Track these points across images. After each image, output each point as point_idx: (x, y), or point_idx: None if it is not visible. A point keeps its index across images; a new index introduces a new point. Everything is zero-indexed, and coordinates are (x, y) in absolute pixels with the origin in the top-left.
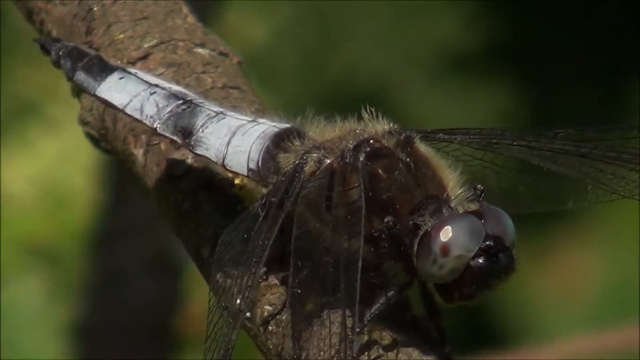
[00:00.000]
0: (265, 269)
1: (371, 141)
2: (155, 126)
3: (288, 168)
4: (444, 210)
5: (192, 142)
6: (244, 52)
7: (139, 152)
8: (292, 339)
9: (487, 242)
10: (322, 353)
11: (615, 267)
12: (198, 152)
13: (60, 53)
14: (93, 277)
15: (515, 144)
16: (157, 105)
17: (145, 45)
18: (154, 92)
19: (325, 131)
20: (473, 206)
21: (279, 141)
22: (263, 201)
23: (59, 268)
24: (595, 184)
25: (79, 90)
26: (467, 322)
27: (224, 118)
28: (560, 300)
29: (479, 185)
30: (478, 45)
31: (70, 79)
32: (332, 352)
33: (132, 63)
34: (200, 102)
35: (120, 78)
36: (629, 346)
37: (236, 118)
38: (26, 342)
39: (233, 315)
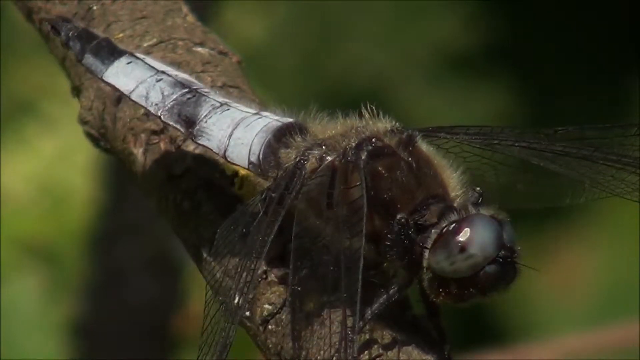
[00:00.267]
0: (265, 267)
1: (373, 140)
2: (159, 114)
3: (289, 164)
4: (470, 209)
5: (194, 132)
6: (243, 52)
7: (138, 151)
8: (291, 338)
9: (503, 252)
10: (322, 352)
11: (614, 265)
12: (200, 142)
13: (70, 34)
14: (92, 276)
15: (516, 144)
16: (163, 93)
17: (145, 45)
18: (160, 79)
19: (327, 128)
20: (491, 211)
21: (280, 136)
22: (263, 196)
23: (57, 267)
24: (594, 185)
25: (78, 90)
26: (466, 321)
27: (228, 109)
28: (559, 299)
29: (478, 188)
30: (477, 45)
31: (79, 60)
32: (332, 351)
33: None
34: (206, 92)
35: (128, 63)
36: (627, 344)
37: (240, 110)
38: (24, 342)
39: (231, 311)
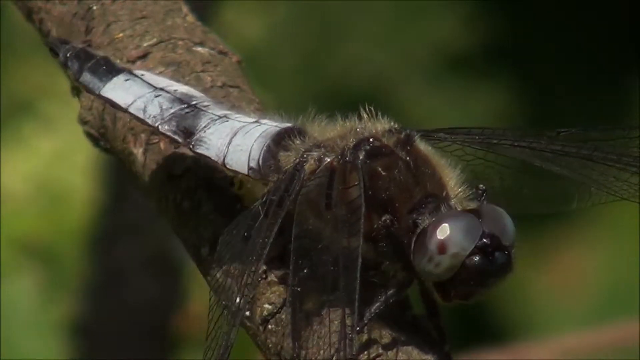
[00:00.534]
0: (265, 267)
1: (371, 140)
2: (157, 125)
3: (288, 167)
4: (442, 209)
5: (192, 142)
6: (242, 51)
7: (138, 151)
8: (291, 337)
9: (484, 241)
10: (321, 352)
11: (614, 265)
12: (198, 151)
13: (68, 55)
14: (92, 276)
15: (516, 144)
16: (161, 107)
17: (145, 44)
18: (159, 95)
19: (326, 130)
20: (472, 205)
21: (279, 140)
22: (263, 199)
23: (55, 267)
24: (596, 186)
25: (78, 90)
26: (466, 320)
27: (227, 121)
28: (559, 298)
29: (481, 185)
30: (477, 45)
31: (76, 80)
32: (332, 351)
33: (132, 62)
34: (205, 106)
35: (126, 80)
36: (627, 343)
37: (239, 121)
38: (23, 342)
39: (233, 313)
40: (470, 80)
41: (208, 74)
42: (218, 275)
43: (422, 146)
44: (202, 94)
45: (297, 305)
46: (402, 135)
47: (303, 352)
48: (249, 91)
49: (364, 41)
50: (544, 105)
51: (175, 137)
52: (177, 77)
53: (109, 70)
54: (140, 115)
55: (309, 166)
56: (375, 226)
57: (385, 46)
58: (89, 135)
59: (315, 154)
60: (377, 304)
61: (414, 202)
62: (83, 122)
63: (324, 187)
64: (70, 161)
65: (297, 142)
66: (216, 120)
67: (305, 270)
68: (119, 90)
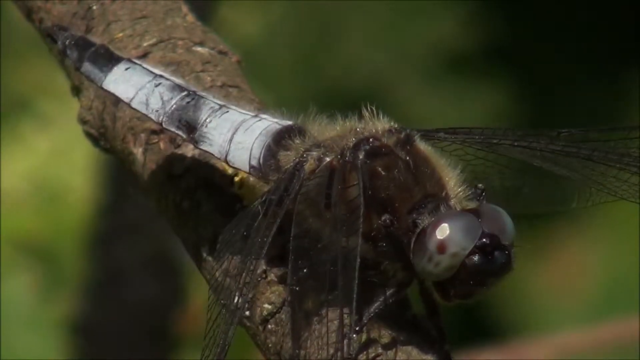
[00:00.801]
0: (265, 266)
1: (371, 139)
2: (160, 120)
3: (288, 166)
4: (441, 209)
5: (196, 137)
6: (240, 51)
7: (138, 151)
8: (291, 337)
9: (483, 240)
10: (321, 351)
11: (613, 262)
12: (202, 147)
13: (67, 43)
14: (91, 275)
15: (516, 144)
16: (162, 98)
17: (145, 44)
18: (159, 84)
19: (326, 129)
20: (472, 204)
21: (280, 139)
22: (263, 199)
23: (54, 265)
24: (596, 186)
25: (78, 89)
26: (466, 318)
27: (227, 112)
28: (558, 296)
29: (480, 185)
30: (475, 45)
31: (77, 69)
32: (331, 350)
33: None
34: (204, 94)
35: (126, 69)
36: (626, 341)
37: (239, 112)
38: (20, 341)
39: (231, 312)
40: (469, 80)
41: (208, 73)
42: (217, 274)
43: (422, 146)
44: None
45: (296, 304)
46: (402, 135)
47: (302, 352)
48: (248, 91)
49: (363, 41)
50: (543, 105)
51: (179, 132)
52: (177, 77)
53: (109, 59)
54: (144, 110)
55: (308, 166)
56: (375, 226)
57: (384, 46)
58: (88, 135)
59: (315, 153)
60: (377, 303)
61: (413, 201)
62: (83, 121)
63: (323, 187)
64: (68, 160)
65: (297, 141)
66: (217, 110)
67: (304, 270)
68: (121, 83)
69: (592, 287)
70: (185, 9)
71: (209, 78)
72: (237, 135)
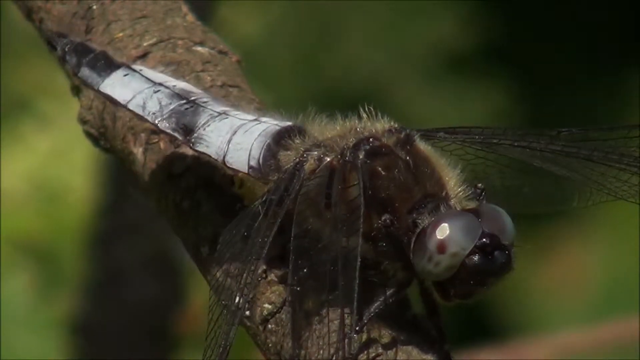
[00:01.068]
0: (265, 266)
1: (371, 139)
2: (156, 122)
3: (288, 166)
4: (441, 208)
5: (192, 139)
6: (239, 51)
7: (138, 151)
8: (291, 337)
9: (483, 240)
10: (321, 351)
11: (613, 262)
12: (198, 149)
13: (66, 49)
14: (91, 275)
15: (516, 144)
16: (160, 103)
17: (145, 44)
18: (158, 91)
19: (325, 129)
20: (472, 204)
21: (279, 139)
22: (263, 199)
23: (53, 265)
24: (596, 186)
25: (78, 89)
26: (466, 318)
27: (227, 118)
28: (558, 296)
29: (480, 184)
30: (475, 45)
31: (75, 74)
32: (331, 350)
33: (132, 61)
34: (204, 102)
35: (125, 75)
36: (626, 340)
37: (239, 118)
38: (20, 341)
39: (232, 312)
40: (469, 79)
41: (208, 73)
42: (218, 274)
43: (422, 146)
44: (200, 91)
45: (296, 304)
46: (402, 135)
47: (303, 352)
48: (248, 91)
49: (363, 41)
50: (543, 105)
51: (175, 134)
52: (177, 77)
53: (108, 65)
54: (140, 112)
55: (308, 166)
56: (375, 226)
57: (384, 46)
58: (88, 134)
59: (315, 153)
60: (377, 303)
61: (413, 201)
62: (83, 121)
63: (323, 187)
64: (68, 160)
65: (297, 141)
66: (216, 117)
67: (304, 270)
68: (118, 86)
69: (592, 287)
70: (185, 8)
71: (209, 78)
72: (235, 136)
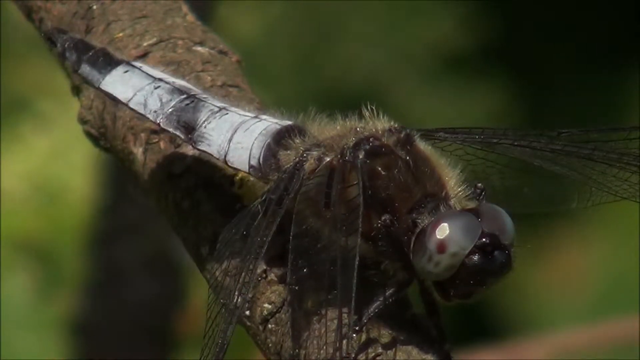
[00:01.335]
0: (265, 266)
1: (371, 139)
2: (158, 121)
3: (288, 165)
4: (441, 208)
5: (194, 138)
6: (239, 51)
7: (138, 151)
8: (291, 337)
9: (483, 240)
10: (320, 351)
11: (613, 261)
12: (200, 147)
13: (66, 45)
14: (91, 275)
15: (516, 144)
16: (161, 100)
17: (145, 44)
18: (158, 87)
19: (326, 129)
20: (471, 204)
21: (280, 138)
22: (263, 198)
23: (53, 265)
24: (597, 186)
25: (78, 89)
26: (466, 318)
27: (227, 114)
28: (558, 295)
29: (480, 184)
30: (473, 45)
31: (75, 71)
32: (331, 350)
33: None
34: (204, 97)
35: (125, 72)
36: (626, 340)
37: (239, 114)
38: (20, 341)
39: (230, 311)
40: (467, 79)
41: (208, 73)
42: (217, 273)
43: (422, 146)
44: (200, 90)
45: (296, 304)
46: (402, 135)
47: (302, 352)
48: (248, 90)
49: (361, 41)
50: (542, 104)
51: (177, 132)
52: (177, 76)
53: (108, 61)
54: (141, 111)
55: (308, 165)
56: (375, 225)
57: (382, 45)
58: (88, 134)
59: (315, 153)
60: (377, 303)
61: (413, 201)
62: (83, 121)
63: (323, 186)
64: (67, 159)
65: (297, 141)
66: (216, 112)
67: (304, 270)
68: (119, 84)
69: (592, 287)
70: (185, 8)
71: (209, 78)
72: (236, 135)
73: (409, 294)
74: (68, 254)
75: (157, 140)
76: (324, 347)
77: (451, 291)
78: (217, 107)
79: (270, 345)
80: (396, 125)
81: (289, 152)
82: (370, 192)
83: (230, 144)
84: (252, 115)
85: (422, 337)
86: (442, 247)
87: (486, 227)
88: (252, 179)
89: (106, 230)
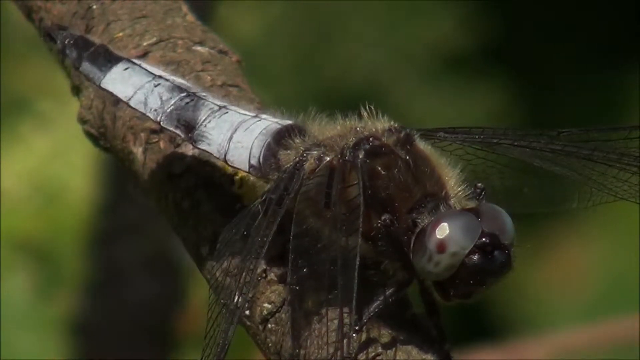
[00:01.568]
0: (265, 266)
1: (371, 139)
2: (158, 119)
3: (288, 165)
4: (441, 208)
5: (194, 137)
6: (238, 51)
7: (138, 151)
8: (291, 336)
9: (483, 240)
10: (320, 351)
11: (613, 261)
12: (200, 146)
13: (66, 42)
14: (91, 275)
15: (516, 144)
16: (161, 98)
17: (145, 44)
18: (158, 84)
19: (326, 129)
20: (471, 204)
21: (280, 138)
22: (263, 198)
23: (52, 265)
24: (597, 186)
25: (78, 89)
26: (466, 318)
27: (227, 112)
28: (558, 295)
29: (480, 184)
30: (473, 45)
31: (76, 68)
32: (331, 349)
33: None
34: (204, 96)
35: (125, 69)
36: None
37: (239, 113)
38: (20, 341)
39: (231, 311)
40: (467, 79)
41: (208, 73)
42: (217, 273)
43: (422, 145)
44: (199, 89)
45: (296, 304)
46: (402, 135)
47: (302, 351)
48: (248, 90)
49: (361, 41)
50: (542, 104)
51: (177, 131)
52: (177, 77)
53: (108, 59)
54: (142, 109)
55: (308, 165)
56: (375, 225)
57: (382, 45)
58: (88, 134)
59: (315, 152)
60: (377, 303)
61: (413, 201)
62: (83, 121)
63: (323, 186)
64: (67, 159)
65: (297, 140)
66: (216, 111)
67: (304, 269)
68: (119, 83)
69: (592, 287)
70: (185, 8)
71: (209, 77)
72: (236, 134)
73: (409, 294)
74: (68, 254)
75: (157, 140)
76: (324, 347)
77: (451, 291)
78: (217, 105)
79: (270, 345)
80: (396, 125)
81: (289, 151)
82: (370, 191)
83: (230, 143)
84: (252, 114)
85: (422, 337)
86: (442, 246)
87: (486, 227)
88: (252, 178)
89: (106, 230)
